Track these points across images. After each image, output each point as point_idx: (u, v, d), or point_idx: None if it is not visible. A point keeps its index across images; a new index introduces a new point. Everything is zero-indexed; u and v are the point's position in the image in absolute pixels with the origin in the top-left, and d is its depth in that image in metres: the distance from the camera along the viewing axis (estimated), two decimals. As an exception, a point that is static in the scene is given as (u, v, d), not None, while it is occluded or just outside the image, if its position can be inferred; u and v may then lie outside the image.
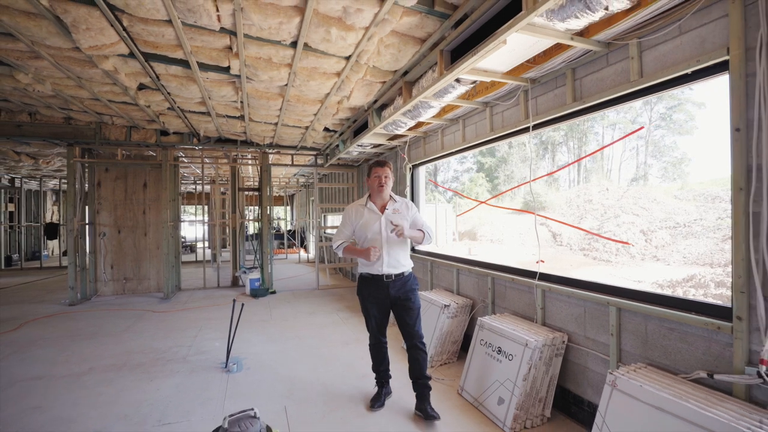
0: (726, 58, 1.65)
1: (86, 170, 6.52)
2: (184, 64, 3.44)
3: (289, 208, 19.80)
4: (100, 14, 2.62)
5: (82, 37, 2.84)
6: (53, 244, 14.00)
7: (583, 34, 2.16)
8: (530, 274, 2.86)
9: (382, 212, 2.64)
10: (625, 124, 28.64)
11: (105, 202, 6.74)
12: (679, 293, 6.63)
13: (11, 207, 11.78)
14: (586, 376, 2.39)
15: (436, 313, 3.51)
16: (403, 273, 2.63)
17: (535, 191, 23.16)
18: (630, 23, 1.98)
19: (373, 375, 2.86)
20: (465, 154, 4.12)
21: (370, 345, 2.81)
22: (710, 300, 1.96)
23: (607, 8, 1.68)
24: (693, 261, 9.64)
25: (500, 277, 3.19)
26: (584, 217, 17.30)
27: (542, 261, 2.75)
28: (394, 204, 2.67)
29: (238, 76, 3.66)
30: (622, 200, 16.91)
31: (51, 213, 14.26)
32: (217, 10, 2.51)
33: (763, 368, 1.48)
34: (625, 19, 1.92)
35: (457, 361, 3.47)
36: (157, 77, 3.81)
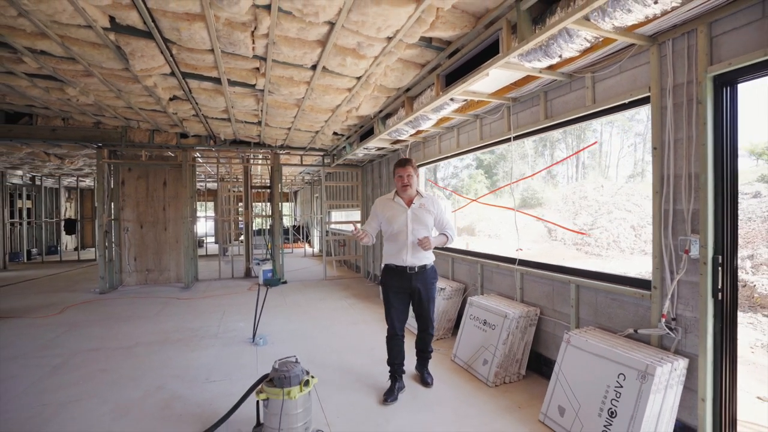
0: (648, 94, 2.20)
1: (111, 170, 7.06)
2: (216, 81, 3.98)
3: (292, 204, 20.32)
4: (155, 45, 3.16)
5: (137, 63, 3.38)
6: (67, 239, 14.57)
7: (551, 67, 2.70)
8: (512, 261, 3.43)
9: (409, 207, 2.74)
10: (623, 121, 29.05)
11: (128, 199, 7.29)
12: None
13: (28, 204, 12.34)
14: (554, 342, 2.96)
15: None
16: (425, 265, 2.75)
17: (532, 188, 23.74)
18: (585, 61, 2.53)
19: (383, 355, 2.98)
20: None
21: (387, 338, 2.85)
22: (639, 276, 2.50)
23: (561, 56, 2.22)
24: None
25: (488, 264, 3.75)
26: (579, 213, 17.86)
27: (521, 249, 3.31)
28: (421, 199, 2.75)
29: (262, 91, 4.20)
30: (616, 197, 17.45)
31: (65, 209, 14.82)
32: (253, 43, 3.05)
33: (663, 321, 2.05)
34: (580, 59, 2.47)
35: (451, 337, 4.04)
36: (190, 90, 4.35)
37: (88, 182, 12.99)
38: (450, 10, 2.40)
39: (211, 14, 2.60)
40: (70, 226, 12.22)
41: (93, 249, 14.38)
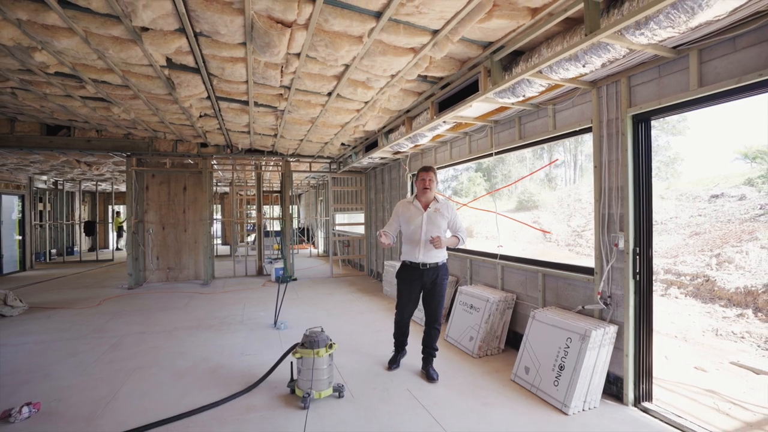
0: (591, 125, 2.87)
1: (137, 176, 7.74)
2: (244, 103, 4.66)
3: (295, 207, 21.00)
4: (199, 78, 3.84)
5: (183, 91, 4.06)
6: (81, 241, 15.23)
7: (522, 100, 3.37)
8: (494, 256, 4.09)
9: (425, 210, 3.07)
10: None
11: (152, 203, 7.96)
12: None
13: (43, 207, 13.01)
14: (526, 321, 3.61)
15: (430, 287, 4.73)
16: (437, 263, 3.02)
17: (529, 190, 24.47)
18: (548, 96, 3.21)
19: (388, 337, 3.51)
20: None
21: (395, 321, 3.25)
22: (586, 265, 3.15)
23: (524, 96, 2.90)
24: (662, 255, 10.85)
25: (476, 259, 4.42)
26: (573, 215, 18.52)
27: (501, 246, 3.97)
28: (437, 204, 3.05)
29: (282, 111, 4.88)
30: (609, 200, 18.07)
31: (79, 212, 15.51)
32: (281, 77, 3.73)
33: (599, 297, 2.71)
34: (543, 95, 3.15)
35: (445, 323, 4.69)
36: (219, 110, 5.03)
37: (104, 186, 13.66)
38: (440, 57, 3.07)
39: (252, 58, 3.28)
40: (90, 228, 12.90)
41: (107, 249, 15.06)
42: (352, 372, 3.31)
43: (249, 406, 2.72)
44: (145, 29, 2.92)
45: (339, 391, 2.83)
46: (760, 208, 11.00)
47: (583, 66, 2.36)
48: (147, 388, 3.03)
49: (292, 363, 2.95)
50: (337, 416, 2.57)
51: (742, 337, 4.61)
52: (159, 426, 2.44)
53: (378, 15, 2.53)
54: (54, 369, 3.38)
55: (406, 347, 3.45)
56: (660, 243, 12.08)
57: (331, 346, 2.83)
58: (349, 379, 3.17)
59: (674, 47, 2.25)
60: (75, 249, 14.08)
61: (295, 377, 2.91)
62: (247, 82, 3.91)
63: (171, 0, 2.50)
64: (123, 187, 14.13)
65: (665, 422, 2.42)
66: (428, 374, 3.12)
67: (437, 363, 3.37)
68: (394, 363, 3.33)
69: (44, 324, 4.82)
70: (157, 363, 3.55)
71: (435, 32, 2.68)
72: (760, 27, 1.88)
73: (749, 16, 1.87)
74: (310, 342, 2.77)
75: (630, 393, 2.60)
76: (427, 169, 3.10)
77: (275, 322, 4.70)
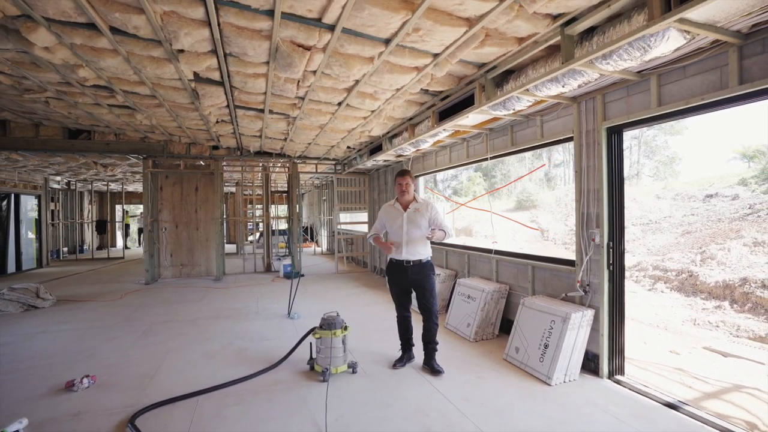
0: (572, 135, 3.28)
1: (152, 177, 8.14)
2: (259, 111, 5.06)
3: (298, 206, 21.38)
4: (222, 89, 4.24)
5: (206, 101, 4.46)
6: (92, 239, 15.64)
7: (514, 113, 3.77)
8: (489, 251, 4.50)
9: (405, 210, 3.28)
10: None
11: (165, 202, 8.37)
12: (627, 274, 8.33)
13: (54, 207, 13.42)
14: (518, 309, 4.02)
15: (431, 280, 5.14)
16: (420, 260, 3.19)
17: (527, 190, 24.92)
18: (536, 109, 3.61)
19: (393, 326, 3.60)
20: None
21: (396, 318, 3.38)
22: (569, 258, 3.55)
23: (515, 109, 3.30)
24: (654, 252, 11.27)
25: (473, 254, 4.83)
26: (570, 214, 18.92)
27: (496, 242, 4.38)
28: (416, 204, 3.23)
29: (294, 118, 5.28)
30: (605, 199, 18.47)
31: (87, 211, 15.91)
32: (297, 89, 4.13)
33: (579, 285, 3.12)
34: (532, 108, 3.55)
35: (445, 312, 5.10)
36: (235, 117, 5.43)
37: (113, 186, 14.07)
38: (441, 75, 3.47)
39: (272, 74, 3.68)
40: (101, 227, 13.31)
41: (115, 248, 15.47)
42: (363, 354, 3.71)
43: (276, 380, 3.13)
44: (181, 51, 3.32)
45: (353, 368, 3.24)
46: (749, 208, 11.41)
47: (563, 86, 2.77)
48: (182, 366, 3.44)
49: (311, 344, 3.36)
50: (352, 387, 2.98)
51: (717, 326, 5.02)
52: (201, 394, 2.85)
53: (387, 41, 2.93)
54: (97, 350, 3.79)
55: (413, 351, 3.47)
56: (653, 241, 12.50)
57: (345, 328, 3.24)
58: (360, 359, 3.58)
59: (638, 72, 2.65)
60: (85, 247, 14.50)
61: (314, 356, 3.32)
62: (265, 93, 4.31)
63: (209, 28, 2.91)
64: (131, 188, 14.54)
65: (633, 391, 2.82)
66: (432, 368, 3.20)
67: (439, 346, 3.75)
68: (399, 362, 3.35)
69: (75, 314, 5.23)
70: (187, 346, 3.95)
71: (436, 55, 3.09)
72: (701, 60, 2.29)
73: (692, 52, 2.28)
74: (328, 324, 3.17)
75: (605, 367, 3.00)
76: (402, 174, 3.27)
77: (289, 313, 5.11)
